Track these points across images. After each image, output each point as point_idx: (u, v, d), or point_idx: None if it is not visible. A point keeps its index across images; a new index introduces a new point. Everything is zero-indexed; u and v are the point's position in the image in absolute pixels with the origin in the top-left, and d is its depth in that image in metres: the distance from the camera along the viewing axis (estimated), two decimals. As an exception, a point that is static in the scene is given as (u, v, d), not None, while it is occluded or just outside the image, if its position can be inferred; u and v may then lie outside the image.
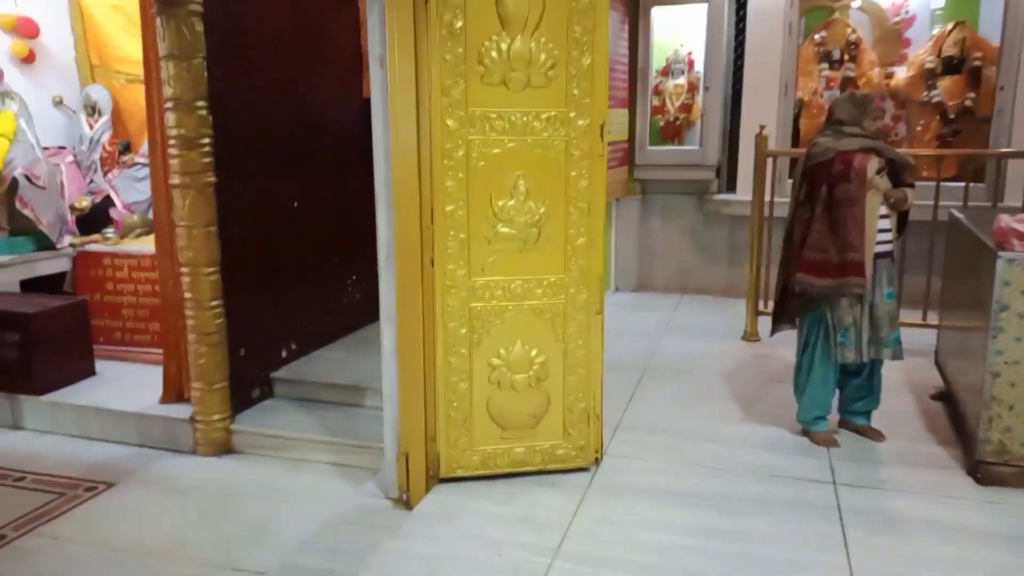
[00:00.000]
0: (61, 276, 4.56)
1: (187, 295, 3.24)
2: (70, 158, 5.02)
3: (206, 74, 3.28)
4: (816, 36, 5.67)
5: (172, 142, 3.15)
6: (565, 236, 2.79)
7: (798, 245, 3.14)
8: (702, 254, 6.16)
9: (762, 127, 4.64)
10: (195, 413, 3.34)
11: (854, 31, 5.61)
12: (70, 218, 4.68)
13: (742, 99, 5.78)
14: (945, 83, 5.41)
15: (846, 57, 5.64)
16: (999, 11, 5.36)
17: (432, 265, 2.70)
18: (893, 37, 5.63)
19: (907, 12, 5.60)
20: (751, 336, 4.91)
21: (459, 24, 2.57)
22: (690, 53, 5.96)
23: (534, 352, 2.83)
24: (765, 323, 4.04)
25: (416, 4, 2.51)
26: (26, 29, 4.95)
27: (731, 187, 6.01)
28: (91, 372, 3.99)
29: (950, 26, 5.36)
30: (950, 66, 5.38)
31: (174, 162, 3.15)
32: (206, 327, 3.25)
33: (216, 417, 3.31)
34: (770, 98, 5.53)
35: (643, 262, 6.30)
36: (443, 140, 2.63)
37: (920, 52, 5.51)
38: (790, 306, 3.30)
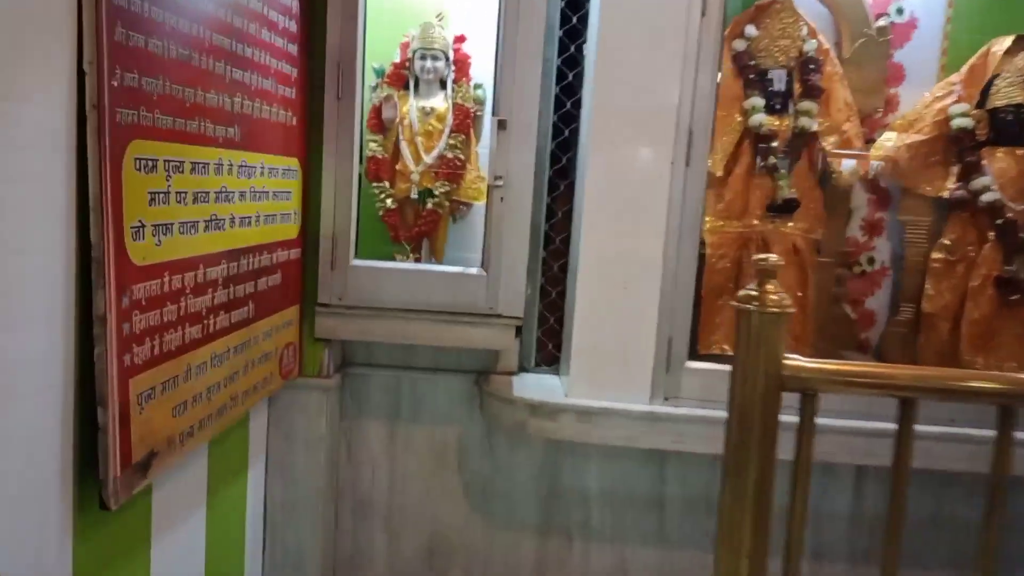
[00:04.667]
0: None
1: None
2: None
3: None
4: (737, 40, 2.65)
5: None
6: None
7: None
8: (480, 510, 2.71)
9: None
10: None
11: (812, 34, 2.68)
12: None
13: (577, 159, 2.57)
14: (1000, 164, 2.63)
15: (797, 88, 2.67)
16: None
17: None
18: (874, 57, 2.79)
19: (901, 12, 2.82)
20: None
21: None
22: (460, 38, 2.63)
23: None
24: None
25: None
26: None
27: (549, 360, 2.71)
28: None
29: (1003, 45, 2.62)
30: (1008, 129, 2.63)
31: None
32: None
33: None
34: (652, 164, 2.34)
35: (346, 529, 2.69)
36: None
37: (933, 95, 2.72)
38: None
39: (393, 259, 2.60)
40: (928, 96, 2.76)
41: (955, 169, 2.70)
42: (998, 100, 2.62)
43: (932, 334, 2.71)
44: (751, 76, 2.65)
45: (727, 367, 2.65)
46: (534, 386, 2.59)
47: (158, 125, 1.49)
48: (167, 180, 1.53)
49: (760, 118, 2.62)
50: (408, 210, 2.60)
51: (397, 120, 2.56)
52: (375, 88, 2.58)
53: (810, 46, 2.67)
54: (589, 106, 2.45)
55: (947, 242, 2.70)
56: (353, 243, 2.41)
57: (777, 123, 2.65)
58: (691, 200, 2.40)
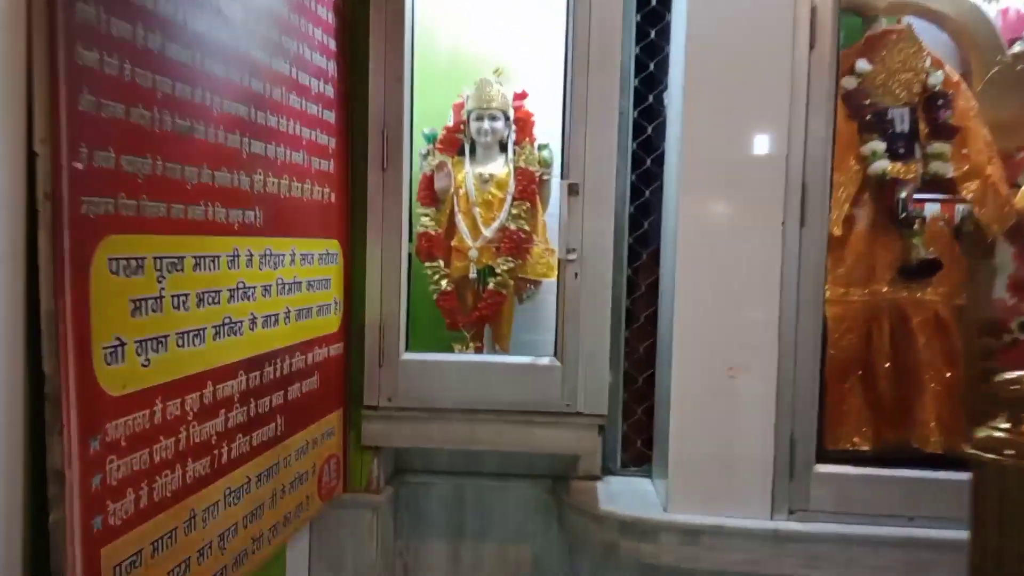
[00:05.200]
0: None
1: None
2: None
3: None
4: (847, 77, 2.25)
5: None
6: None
7: None
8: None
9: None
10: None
11: (937, 65, 2.26)
12: None
13: (662, 223, 2.20)
14: None
15: (923, 128, 2.24)
16: None
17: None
18: (1011, 89, 2.34)
19: (1040, 33, 2.37)
20: None
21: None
22: (522, 95, 2.32)
23: None
24: None
25: None
26: None
27: (638, 459, 2.30)
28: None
29: None
30: None
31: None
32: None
33: None
34: (758, 225, 1.95)
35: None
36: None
37: None
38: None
39: (451, 350, 2.23)
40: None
41: None
42: None
43: (1122, 419, 2.16)
44: (867, 117, 2.22)
45: (865, 470, 2.20)
46: (625, 496, 2.16)
47: (145, 214, 1.18)
48: (159, 282, 1.22)
49: (883, 165, 2.18)
50: (466, 292, 2.25)
51: (452, 190, 2.23)
52: (426, 155, 2.27)
53: (936, 79, 2.23)
54: (676, 161, 2.08)
55: None
56: (404, 333, 2.06)
57: (903, 170, 2.21)
58: (810, 266, 1.98)
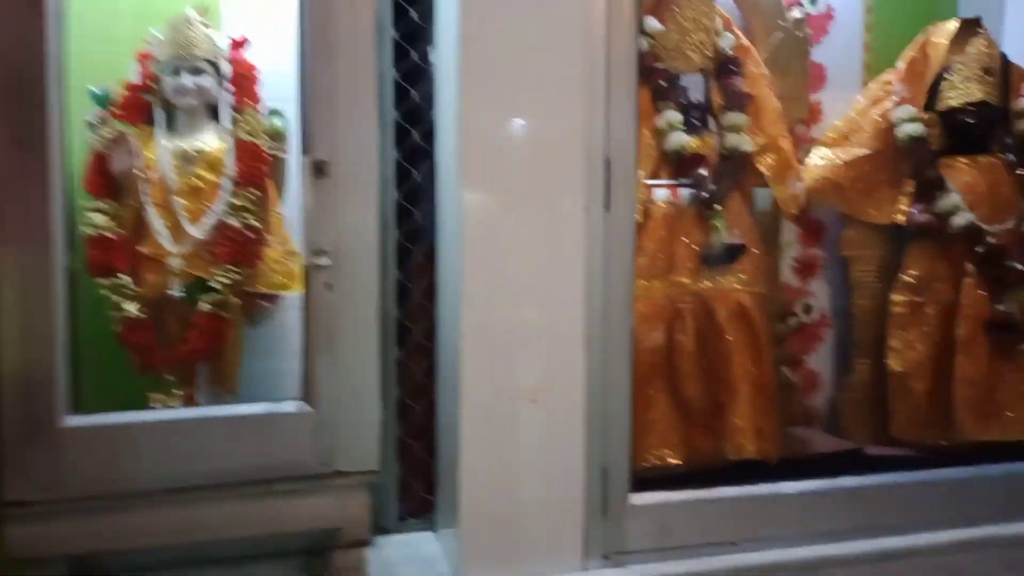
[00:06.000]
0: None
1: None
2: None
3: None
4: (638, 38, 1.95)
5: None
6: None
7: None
8: None
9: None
10: None
11: (727, 27, 2.07)
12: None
13: (438, 213, 1.76)
14: (964, 178, 2.14)
15: (716, 97, 2.03)
16: None
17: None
18: (793, 56, 2.24)
19: (815, 1, 2.29)
20: None
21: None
22: (239, 43, 1.72)
23: None
24: None
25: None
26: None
27: (419, 508, 1.86)
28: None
29: (945, 33, 2.16)
30: (969, 133, 2.15)
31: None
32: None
33: None
34: (557, 212, 1.57)
35: None
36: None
37: (869, 99, 2.23)
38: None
39: (145, 404, 1.59)
40: (862, 101, 2.22)
41: (908, 188, 2.17)
42: (953, 99, 2.11)
43: (907, 399, 2.13)
44: (661, 84, 1.95)
45: (684, 495, 1.94)
46: (405, 564, 1.71)
47: None
48: None
49: (680, 139, 1.92)
50: (168, 317, 1.59)
51: (140, 173, 1.58)
52: (96, 124, 1.59)
53: (727, 42, 2.03)
54: (452, 136, 1.64)
55: (910, 279, 2.14)
56: (65, 389, 1.39)
57: (701, 144, 1.98)
58: (617, 259, 1.64)
